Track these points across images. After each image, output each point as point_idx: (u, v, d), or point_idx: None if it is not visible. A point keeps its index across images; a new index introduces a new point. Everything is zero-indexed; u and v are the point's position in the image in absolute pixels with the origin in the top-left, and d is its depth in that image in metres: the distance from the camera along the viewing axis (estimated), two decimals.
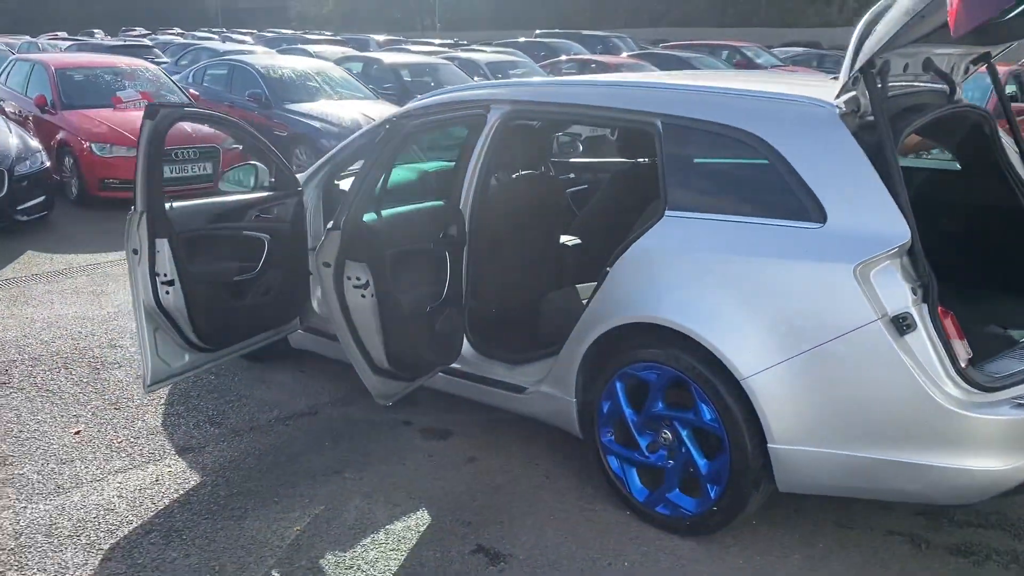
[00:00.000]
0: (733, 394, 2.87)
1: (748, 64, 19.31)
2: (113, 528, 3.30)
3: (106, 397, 4.47)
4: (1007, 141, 3.55)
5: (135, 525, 3.32)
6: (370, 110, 10.70)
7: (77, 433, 4.07)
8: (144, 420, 4.21)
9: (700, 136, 3.13)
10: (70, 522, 3.33)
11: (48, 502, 3.47)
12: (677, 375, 3.01)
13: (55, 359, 4.94)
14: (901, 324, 2.61)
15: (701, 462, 3.03)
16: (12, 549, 3.16)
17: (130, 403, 4.41)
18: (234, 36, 26.95)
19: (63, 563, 3.08)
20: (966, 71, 3.51)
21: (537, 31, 27.61)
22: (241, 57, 12.35)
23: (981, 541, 3.13)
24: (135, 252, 3.61)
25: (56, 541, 3.21)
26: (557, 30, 28.12)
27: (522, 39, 25.55)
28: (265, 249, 4.10)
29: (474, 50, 17.91)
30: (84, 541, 3.21)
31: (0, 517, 3.35)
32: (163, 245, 3.59)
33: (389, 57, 13.63)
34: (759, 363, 2.79)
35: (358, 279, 3.20)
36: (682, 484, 3.13)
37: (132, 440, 4.00)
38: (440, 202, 3.56)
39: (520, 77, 14.83)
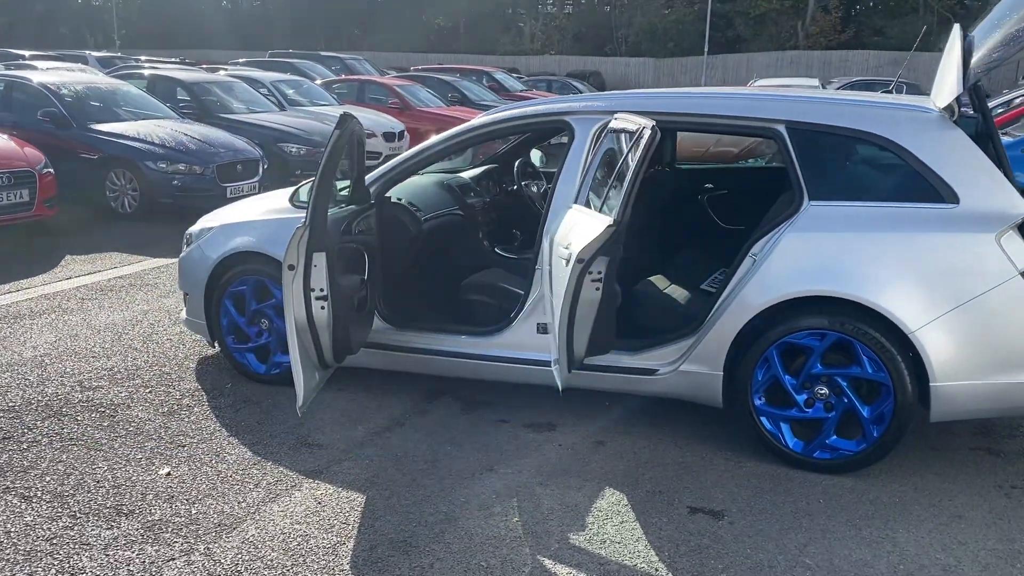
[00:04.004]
0: (898, 347, 3.51)
1: (499, 87, 20.51)
2: (330, 548, 3.19)
3: (156, 437, 4.10)
4: None
5: (350, 544, 3.22)
6: (187, 129, 10.10)
7: (168, 475, 3.74)
8: (229, 452, 3.95)
9: (829, 138, 3.76)
10: (276, 552, 3.16)
11: (228, 539, 3.24)
12: (841, 337, 3.59)
13: (34, 410, 4.35)
14: None
15: (864, 409, 3.63)
16: None
17: (190, 438, 4.10)
18: None
19: None
20: None
21: (269, 51, 26.89)
22: (17, 72, 10.95)
23: None
24: (291, 268, 3.48)
25: (289, 571, 3.05)
26: (291, 50, 27.57)
27: (242, 59, 24.73)
28: (366, 263, 4.07)
29: (229, 67, 17.20)
30: (316, 566, 3.08)
31: (192, 561, 3.09)
32: (320, 259, 3.51)
33: (180, 74, 12.80)
34: (922, 319, 3.46)
35: (599, 273, 3.39)
36: (838, 430, 3.71)
37: (242, 472, 3.77)
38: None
39: (298, 94, 14.55)
